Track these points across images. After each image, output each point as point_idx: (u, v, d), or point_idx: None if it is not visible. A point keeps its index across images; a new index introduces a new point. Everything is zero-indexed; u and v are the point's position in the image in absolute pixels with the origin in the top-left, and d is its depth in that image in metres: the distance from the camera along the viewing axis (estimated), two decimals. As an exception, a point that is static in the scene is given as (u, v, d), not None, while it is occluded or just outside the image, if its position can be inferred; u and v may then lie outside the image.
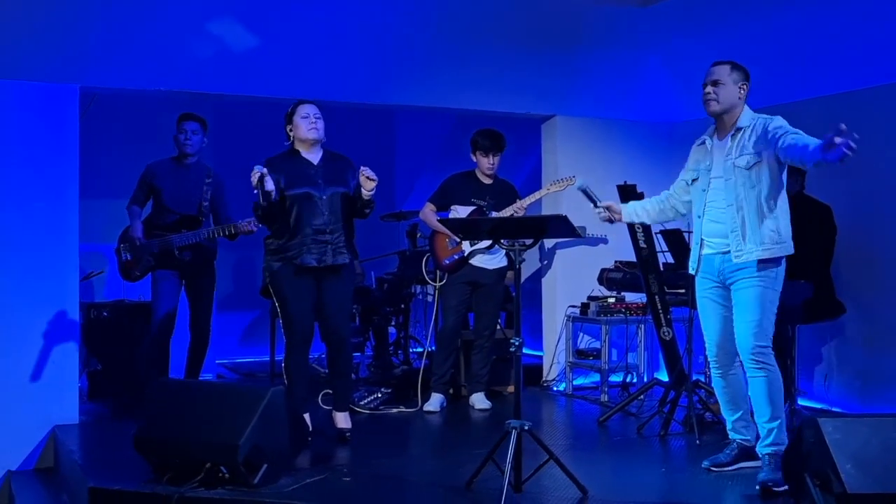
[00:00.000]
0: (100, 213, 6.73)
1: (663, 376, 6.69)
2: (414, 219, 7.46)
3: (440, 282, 6.24)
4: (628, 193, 5.76)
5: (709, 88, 4.38)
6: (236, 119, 7.81)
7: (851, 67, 6.00)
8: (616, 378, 6.89)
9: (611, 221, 4.68)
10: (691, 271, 4.54)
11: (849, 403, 6.09)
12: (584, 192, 4.57)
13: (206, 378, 6.80)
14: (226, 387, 5.00)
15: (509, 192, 6.28)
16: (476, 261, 6.16)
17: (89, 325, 6.61)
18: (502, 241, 4.29)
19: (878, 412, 5.60)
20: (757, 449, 4.38)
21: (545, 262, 7.30)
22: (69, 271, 5.77)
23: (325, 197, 5.07)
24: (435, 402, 6.18)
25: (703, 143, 4.51)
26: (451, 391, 6.42)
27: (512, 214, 6.04)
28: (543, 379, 7.20)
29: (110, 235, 6.51)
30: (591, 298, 6.84)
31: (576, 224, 4.29)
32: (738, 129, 4.33)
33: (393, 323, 7.61)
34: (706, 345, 4.56)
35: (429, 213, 6.27)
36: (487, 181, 6.22)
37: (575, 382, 7.01)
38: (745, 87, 4.36)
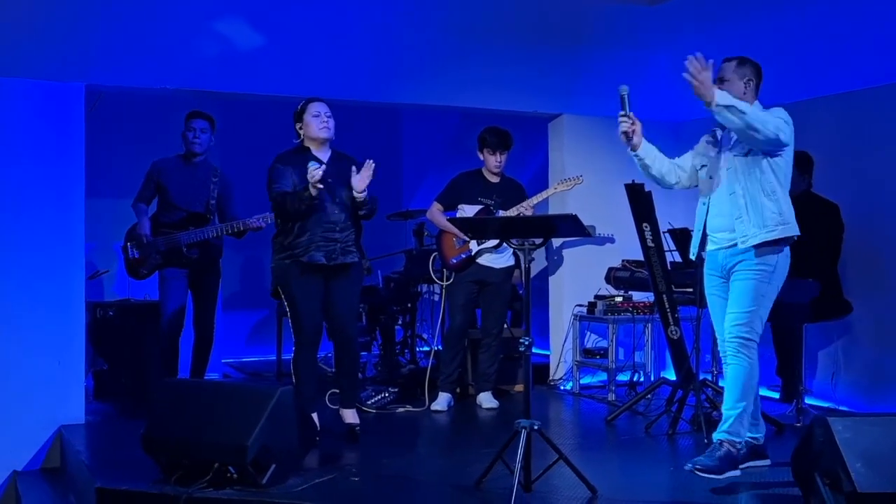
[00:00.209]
0: (105, 211, 6.73)
1: (670, 375, 6.68)
2: (421, 218, 7.45)
3: (447, 281, 6.23)
4: (636, 192, 5.74)
5: (717, 86, 4.38)
6: (242, 117, 7.81)
7: (859, 66, 5.98)
8: (623, 377, 6.87)
9: (627, 138, 4.51)
10: (692, 256, 4.55)
11: (856, 402, 6.08)
12: (624, 95, 4.47)
13: (211, 377, 6.81)
14: (234, 386, 4.99)
15: (516, 191, 6.27)
16: (483, 260, 6.15)
17: (95, 325, 6.61)
18: (512, 240, 4.28)
19: (885, 411, 5.59)
20: (714, 434, 4.39)
21: (555, 258, 7.28)
22: (75, 270, 5.76)
23: (334, 195, 5.07)
24: (442, 401, 6.17)
25: (714, 133, 4.53)
26: (458, 390, 6.41)
27: (520, 213, 6.02)
28: (550, 378, 7.19)
29: (116, 234, 6.52)
30: (598, 297, 6.82)
31: (584, 223, 4.28)
32: None
33: (399, 322, 7.59)
34: (717, 339, 4.55)
35: (436, 212, 6.26)
36: (494, 180, 6.21)
37: (582, 381, 6.99)
38: (751, 82, 4.36)
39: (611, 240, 7.10)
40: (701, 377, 5.52)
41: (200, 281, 6.03)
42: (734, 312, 4.30)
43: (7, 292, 5.55)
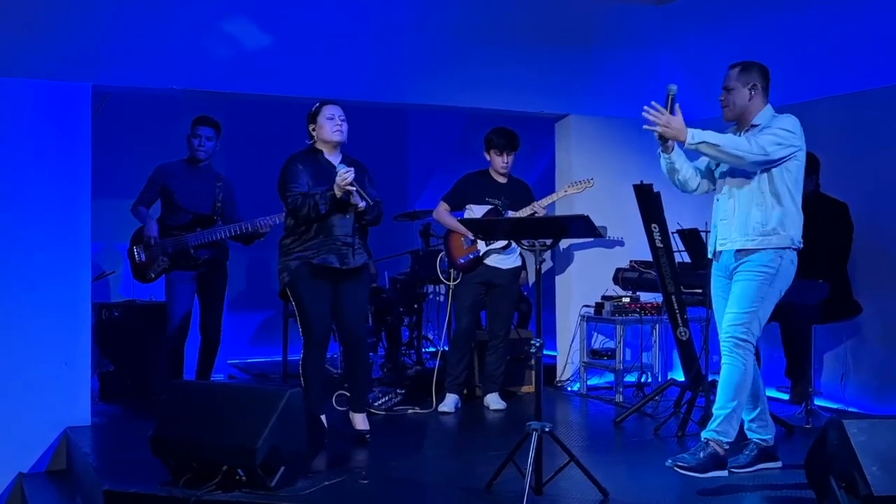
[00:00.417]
0: (112, 212, 6.70)
1: (678, 376, 6.65)
2: (427, 218, 7.42)
3: (454, 281, 6.20)
4: (645, 193, 5.71)
5: (722, 95, 4.44)
6: (249, 118, 7.78)
7: (865, 67, 5.96)
8: (630, 378, 6.84)
9: (664, 140, 4.30)
10: (710, 255, 4.55)
11: (865, 403, 6.05)
12: (671, 95, 4.26)
13: (217, 378, 6.78)
14: (243, 388, 4.97)
15: (524, 192, 6.24)
16: (491, 260, 6.13)
17: (101, 326, 6.59)
18: (523, 241, 4.25)
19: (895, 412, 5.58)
20: (702, 433, 4.37)
21: (561, 259, 7.25)
22: (81, 271, 5.74)
23: (344, 199, 5.04)
24: (450, 402, 6.15)
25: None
26: (465, 392, 6.38)
27: (532, 214, 6.00)
28: (557, 379, 7.16)
29: (121, 235, 6.49)
30: (605, 298, 6.80)
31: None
32: (753, 126, 4.35)
33: (406, 323, 7.57)
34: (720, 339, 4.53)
35: (443, 212, 6.24)
36: (502, 180, 6.18)
37: (589, 382, 6.97)
38: (756, 86, 4.34)
39: (620, 242, 7.08)
40: (710, 378, 5.50)
41: (207, 283, 6.02)
42: (732, 312, 4.30)
43: (13, 293, 5.54)
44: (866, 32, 5.82)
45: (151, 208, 6.07)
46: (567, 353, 7.10)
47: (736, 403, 4.29)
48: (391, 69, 6.42)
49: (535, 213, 6.08)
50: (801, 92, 6.19)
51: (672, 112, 4.21)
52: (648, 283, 6.42)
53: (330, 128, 5.07)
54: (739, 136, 4.38)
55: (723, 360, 4.33)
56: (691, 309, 5.89)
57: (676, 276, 5.75)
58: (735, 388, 4.28)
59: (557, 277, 7.29)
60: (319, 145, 5.14)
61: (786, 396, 6.22)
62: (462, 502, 4.19)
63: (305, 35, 6.13)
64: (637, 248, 6.84)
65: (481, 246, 6.11)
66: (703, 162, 4.61)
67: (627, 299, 6.69)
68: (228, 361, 7.86)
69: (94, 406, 5.93)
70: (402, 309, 7.39)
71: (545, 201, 6.20)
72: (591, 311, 6.87)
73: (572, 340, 7.03)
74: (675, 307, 5.77)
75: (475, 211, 6.12)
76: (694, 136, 4.11)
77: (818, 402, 5.96)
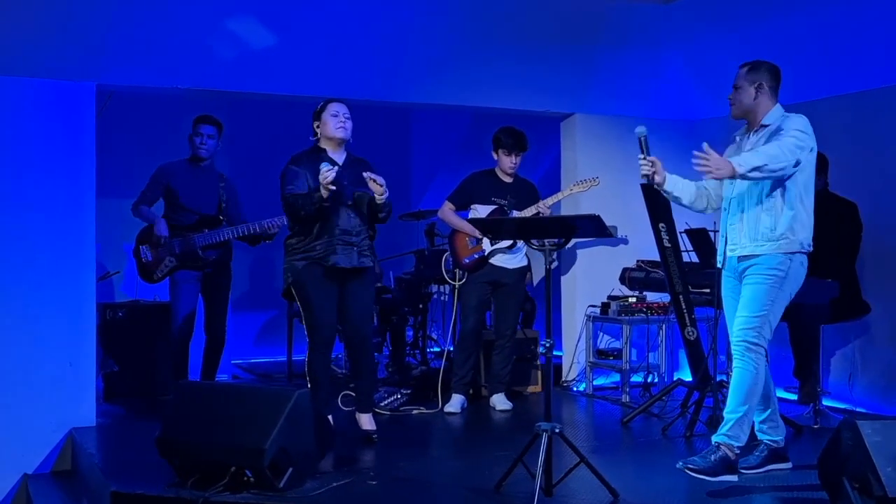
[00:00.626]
0: (115, 212, 6.66)
1: (685, 376, 6.63)
2: (432, 218, 7.39)
3: (460, 281, 6.17)
4: (653, 193, 5.67)
5: (731, 94, 4.42)
6: (253, 117, 7.76)
7: (874, 65, 5.93)
8: (637, 378, 6.81)
9: (650, 179, 4.41)
10: (718, 265, 4.51)
11: (873, 403, 6.03)
12: (641, 138, 4.41)
13: (221, 379, 6.76)
14: (251, 389, 4.94)
15: (530, 191, 6.22)
16: (496, 260, 6.10)
17: (105, 326, 6.56)
18: (532, 241, 4.22)
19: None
20: (713, 437, 4.33)
21: (564, 261, 7.23)
22: (86, 272, 5.70)
23: (350, 198, 5.02)
24: (456, 402, 6.12)
25: (735, 138, 4.50)
26: (471, 392, 6.35)
27: (537, 214, 5.97)
28: (563, 379, 7.14)
29: (125, 235, 6.47)
30: (611, 298, 6.77)
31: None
32: (763, 127, 4.34)
33: (410, 323, 7.54)
34: (731, 340, 4.50)
35: (448, 211, 6.21)
36: (508, 180, 6.16)
37: (594, 382, 6.94)
38: (762, 85, 4.32)
39: (625, 241, 7.05)
40: (718, 378, 5.48)
41: (213, 283, 6.00)
42: (743, 316, 4.26)
43: (18, 293, 5.50)
44: (873, 31, 5.80)
45: (154, 207, 6.04)
46: (573, 353, 7.07)
47: (747, 408, 4.25)
48: (396, 68, 6.39)
49: (540, 212, 6.04)
50: (808, 91, 6.16)
51: (645, 152, 4.39)
52: (656, 282, 6.39)
53: (333, 124, 5.06)
54: (749, 137, 4.37)
55: (734, 364, 4.29)
56: (699, 309, 5.86)
57: (684, 275, 5.73)
58: (746, 392, 4.24)
59: (562, 277, 7.27)
60: (323, 143, 5.12)
61: (794, 397, 6.19)
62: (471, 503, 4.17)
63: (310, 34, 6.10)
64: (642, 248, 6.81)
65: (486, 245, 6.08)
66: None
67: (634, 299, 6.66)
68: (232, 362, 7.83)
69: (99, 406, 5.89)
70: (407, 309, 7.36)
71: (550, 200, 6.17)
72: (597, 310, 6.84)
73: (578, 340, 7.00)
74: (683, 307, 5.75)
75: (480, 211, 6.09)
76: (741, 166, 4.01)
77: (826, 402, 5.93)
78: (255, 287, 8.41)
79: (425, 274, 7.30)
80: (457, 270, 6.20)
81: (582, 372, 7.02)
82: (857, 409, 6.04)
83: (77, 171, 5.67)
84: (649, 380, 6.77)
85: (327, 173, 4.76)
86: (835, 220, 5.74)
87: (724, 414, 4.32)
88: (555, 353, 7.37)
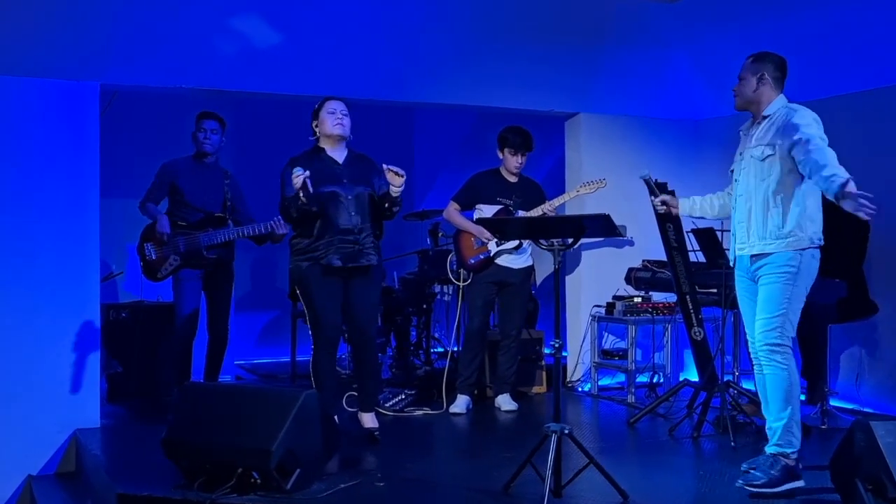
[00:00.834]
0: (120, 212, 6.64)
1: (691, 377, 6.61)
2: (436, 218, 7.37)
3: (465, 281, 6.14)
4: (660, 190, 5.64)
5: (735, 86, 4.39)
6: (257, 116, 7.73)
7: (880, 64, 5.91)
8: (642, 378, 6.79)
9: (668, 215, 4.60)
10: (731, 263, 4.48)
11: (880, 403, 6.01)
12: (647, 181, 4.56)
13: (224, 380, 6.73)
14: (258, 390, 4.91)
15: (535, 191, 6.19)
16: (502, 260, 6.07)
17: (109, 327, 6.52)
18: (542, 241, 4.19)
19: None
20: (766, 448, 4.27)
21: (569, 261, 7.20)
22: (90, 272, 5.68)
23: (351, 197, 5.01)
24: (461, 403, 6.09)
25: (741, 133, 4.47)
26: (475, 392, 6.32)
27: (543, 215, 5.95)
28: (568, 379, 7.10)
29: (128, 235, 6.43)
30: (616, 298, 6.75)
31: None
32: (764, 118, 4.29)
33: (414, 323, 7.51)
34: (748, 340, 4.46)
35: (453, 211, 6.18)
36: (513, 179, 6.13)
37: (599, 383, 6.91)
38: (764, 76, 4.27)
39: (630, 242, 7.02)
40: (725, 378, 5.46)
41: (215, 283, 5.96)
42: (761, 319, 4.21)
43: (21, 293, 5.48)
44: (879, 30, 5.77)
45: (160, 205, 6.01)
46: (578, 354, 7.04)
47: (790, 410, 4.15)
48: (400, 67, 6.36)
49: (546, 213, 6.01)
50: (814, 90, 6.13)
51: (655, 194, 4.57)
52: (662, 282, 6.37)
53: (331, 122, 5.04)
54: (752, 129, 4.32)
55: (763, 371, 4.23)
56: (706, 309, 5.84)
57: (691, 275, 5.71)
58: (784, 395, 4.16)
59: (567, 277, 7.24)
60: (322, 142, 5.11)
61: (802, 397, 6.16)
62: (480, 505, 4.15)
63: (314, 33, 6.07)
64: (647, 248, 6.79)
65: (492, 246, 6.05)
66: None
67: (639, 299, 6.64)
68: (235, 362, 7.79)
69: (102, 407, 5.86)
70: (411, 309, 7.33)
71: (557, 201, 6.15)
72: (603, 311, 6.81)
73: (583, 340, 6.98)
74: (690, 307, 5.73)
75: (485, 211, 6.06)
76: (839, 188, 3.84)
77: (833, 402, 5.91)
78: (256, 287, 8.38)
79: (429, 274, 7.27)
80: (461, 271, 6.17)
81: (587, 372, 6.99)
82: (865, 410, 6.02)
83: (81, 170, 5.64)
84: (655, 380, 6.76)
85: (296, 178, 4.74)
86: (842, 219, 5.67)
87: (769, 424, 4.23)
88: (550, 352, 7.41)
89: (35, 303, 5.51)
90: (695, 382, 6.00)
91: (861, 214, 3.71)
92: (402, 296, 7.42)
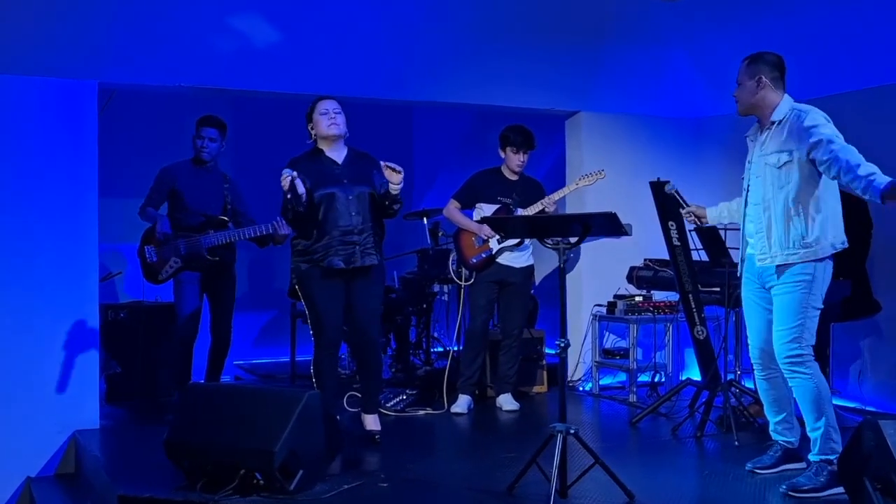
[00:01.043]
0: (118, 212, 6.59)
1: (693, 376, 6.58)
2: (436, 217, 7.33)
3: (467, 281, 6.11)
4: (662, 190, 5.62)
5: (735, 91, 4.32)
6: (256, 115, 7.69)
7: (884, 61, 5.89)
8: (644, 378, 6.76)
9: (699, 224, 4.67)
10: (739, 271, 4.43)
11: (883, 402, 5.99)
12: (674, 194, 4.62)
13: (223, 380, 6.69)
14: (260, 390, 4.87)
15: (536, 190, 6.15)
16: (503, 259, 6.04)
17: (107, 328, 6.48)
18: (547, 239, 4.16)
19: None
20: (809, 456, 4.24)
21: (569, 259, 7.17)
22: (88, 272, 5.65)
23: (351, 197, 4.97)
24: (462, 403, 6.06)
25: (748, 136, 4.42)
26: (477, 392, 6.29)
27: (542, 210, 5.92)
28: (569, 379, 7.07)
29: (127, 235, 6.39)
30: (617, 297, 6.72)
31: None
32: (773, 123, 4.21)
33: (413, 323, 7.48)
34: (749, 345, 4.43)
35: (454, 210, 6.15)
36: (514, 178, 6.10)
37: (601, 382, 6.89)
38: (763, 78, 4.19)
39: (630, 240, 6.96)
40: (729, 377, 5.44)
41: (217, 285, 5.92)
42: (779, 330, 4.16)
43: (20, 294, 5.45)
44: (879, 28, 5.75)
45: (160, 210, 5.97)
46: (579, 353, 7.01)
47: (825, 419, 4.12)
48: (399, 66, 6.33)
49: (545, 208, 5.98)
50: (815, 88, 6.11)
51: (683, 206, 4.65)
52: (664, 281, 6.34)
53: (325, 123, 5.00)
54: (761, 135, 4.27)
55: (790, 383, 4.19)
56: (709, 308, 5.82)
57: (694, 274, 5.68)
58: (815, 405, 4.13)
59: (568, 276, 7.18)
60: (320, 143, 5.08)
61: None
62: (486, 506, 4.12)
63: (313, 31, 6.03)
64: (648, 247, 6.76)
65: (493, 245, 6.02)
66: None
67: (640, 298, 6.61)
68: (234, 363, 7.76)
69: (101, 408, 5.82)
70: (411, 309, 7.30)
71: (557, 195, 6.08)
72: (604, 310, 6.78)
73: (584, 340, 6.95)
74: (693, 306, 5.70)
75: (485, 209, 6.03)
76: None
77: (836, 401, 5.86)
78: (255, 287, 8.33)
79: (430, 273, 7.24)
80: (463, 270, 6.14)
81: (588, 372, 6.97)
82: (867, 408, 6.00)
83: (79, 170, 5.61)
84: (656, 380, 6.73)
85: (282, 181, 4.71)
86: (845, 217, 5.68)
87: (808, 433, 4.22)
88: (555, 352, 7.38)
89: (33, 303, 5.47)
90: (697, 382, 5.98)
91: None
92: (402, 295, 7.39)
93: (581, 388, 6.97)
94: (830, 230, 4.14)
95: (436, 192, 8.88)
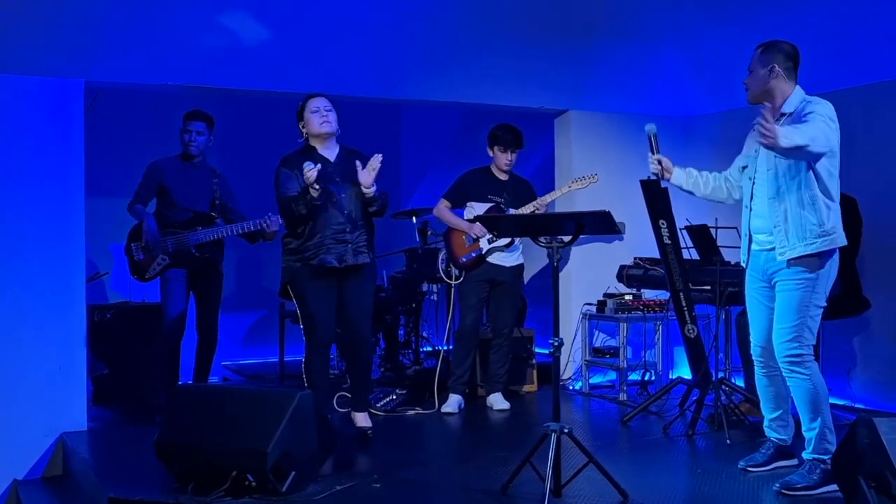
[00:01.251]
0: (103, 211, 6.54)
1: (683, 374, 6.58)
2: (425, 216, 7.31)
3: (457, 280, 6.09)
4: (652, 189, 5.62)
5: (746, 78, 4.26)
6: (245, 113, 7.65)
7: (877, 58, 5.89)
8: (634, 377, 6.76)
9: (660, 176, 4.43)
10: (742, 264, 4.41)
11: (873, 399, 6.00)
12: (651, 137, 4.42)
13: (211, 381, 6.64)
14: (252, 391, 4.83)
15: (526, 189, 6.15)
16: (494, 258, 6.03)
17: (94, 328, 6.43)
18: (540, 238, 4.15)
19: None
20: (803, 454, 4.24)
21: (561, 256, 7.15)
22: (75, 273, 5.58)
23: (343, 195, 4.95)
24: (453, 403, 6.04)
25: (754, 127, 4.38)
26: (467, 391, 6.27)
27: (533, 211, 5.91)
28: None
29: (114, 235, 6.34)
30: (607, 296, 6.71)
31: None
32: (783, 115, 4.15)
33: (403, 322, 7.45)
34: (751, 341, 4.42)
35: (444, 209, 6.13)
36: (503, 177, 6.09)
37: (590, 381, 6.88)
38: (774, 68, 4.12)
39: (620, 239, 6.98)
40: (719, 375, 5.44)
41: (204, 282, 5.89)
42: (780, 329, 4.14)
43: (5, 295, 5.37)
44: (873, 25, 5.75)
45: (148, 206, 5.93)
46: (569, 352, 7.00)
47: (821, 420, 4.12)
48: (388, 64, 6.30)
49: (536, 210, 5.98)
50: (811, 85, 6.06)
51: (654, 151, 4.40)
52: (654, 280, 6.34)
53: (316, 121, 4.98)
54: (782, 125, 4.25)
55: (788, 382, 4.18)
56: (699, 306, 5.81)
57: (685, 272, 5.67)
58: (812, 406, 4.12)
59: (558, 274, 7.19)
60: (312, 141, 5.06)
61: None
62: (480, 506, 4.10)
63: (301, 29, 5.99)
64: (638, 246, 6.76)
65: (484, 243, 6.00)
66: (735, 168, 4.44)
67: (630, 297, 6.61)
68: (222, 363, 7.71)
69: (89, 410, 5.76)
70: (401, 308, 7.27)
71: (548, 198, 6.11)
72: (594, 308, 6.77)
73: (574, 338, 6.94)
74: (683, 304, 5.69)
75: (476, 208, 6.02)
76: (785, 139, 3.77)
77: (826, 399, 5.89)
78: (242, 287, 8.29)
79: (419, 273, 7.21)
80: (452, 269, 6.12)
81: (578, 370, 6.96)
82: (857, 406, 6.01)
83: (66, 169, 5.54)
84: (646, 378, 6.73)
85: (309, 173, 4.68)
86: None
87: (803, 432, 4.22)
88: (545, 351, 7.37)
89: (19, 303, 5.40)
90: (688, 380, 5.98)
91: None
92: (391, 295, 7.36)
93: (571, 387, 6.96)
94: (837, 223, 4.12)
95: (424, 190, 8.86)
